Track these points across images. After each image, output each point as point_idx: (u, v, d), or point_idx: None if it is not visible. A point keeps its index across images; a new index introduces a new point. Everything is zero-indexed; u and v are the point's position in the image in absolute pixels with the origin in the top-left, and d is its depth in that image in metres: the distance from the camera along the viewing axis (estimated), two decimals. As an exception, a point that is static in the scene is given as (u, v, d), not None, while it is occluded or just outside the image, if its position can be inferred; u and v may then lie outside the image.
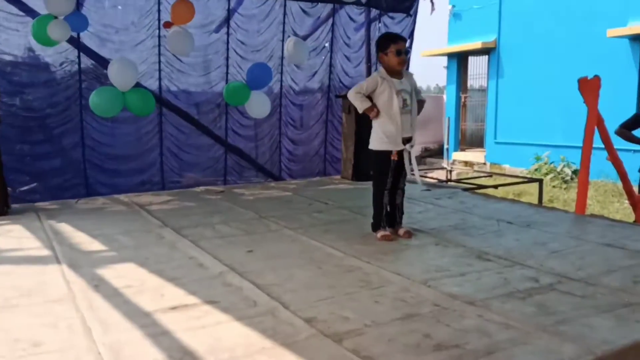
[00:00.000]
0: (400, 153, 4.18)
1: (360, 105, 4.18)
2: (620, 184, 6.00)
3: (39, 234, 4.53)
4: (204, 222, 4.92)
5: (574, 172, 12.03)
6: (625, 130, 5.58)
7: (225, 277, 3.33)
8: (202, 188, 7.02)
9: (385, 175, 4.23)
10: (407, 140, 4.19)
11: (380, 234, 4.25)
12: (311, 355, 2.27)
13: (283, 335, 2.45)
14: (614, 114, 5.88)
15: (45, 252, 4.01)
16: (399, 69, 4.19)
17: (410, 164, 4.20)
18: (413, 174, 4.25)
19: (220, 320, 2.66)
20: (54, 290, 3.15)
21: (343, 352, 2.29)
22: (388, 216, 4.34)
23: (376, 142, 4.24)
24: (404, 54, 4.18)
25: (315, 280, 3.28)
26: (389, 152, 4.17)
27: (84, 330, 2.55)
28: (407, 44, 7.53)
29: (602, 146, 5.61)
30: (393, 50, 4.14)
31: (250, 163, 7.86)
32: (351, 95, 4.24)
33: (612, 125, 5.58)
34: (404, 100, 4.14)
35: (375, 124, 4.23)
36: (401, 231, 4.32)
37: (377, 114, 4.15)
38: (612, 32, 12.03)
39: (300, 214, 5.23)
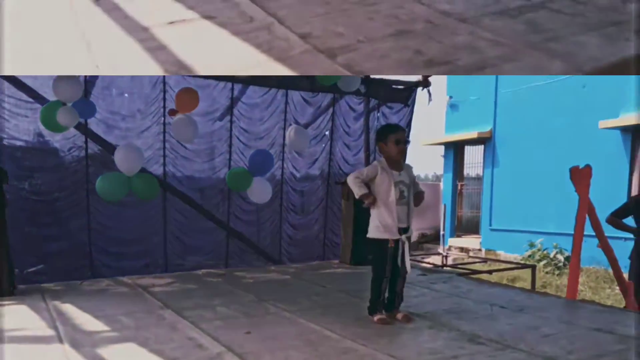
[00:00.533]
0: (396, 242, 4.29)
1: (358, 191, 4.30)
2: (611, 271, 6.12)
3: (43, 314, 4.61)
4: (205, 304, 5.01)
5: (567, 258, 12.14)
6: (615, 219, 5.74)
7: (224, 357, 3.40)
8: (204, 271, 7.12)
9: (383, 263, 4.31)
10: (404, 230, 4.31)
11: (377, 317, 4.32)
12: None
13: None
14: (606, 202, 6.04)
15: (49, 332, 4.08)
16: (399, 159, 4.36)
17: (403, 254, 4.30)
18: (404, 264, 4.32)
19: None
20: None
21: None
22: (386, 301, 4.43)
23: (373, 231, 4.35)
24: (403, 144, 4.34)
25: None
26: (386, 241, 4.28)
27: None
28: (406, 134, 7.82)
29: (594, 234, 5.75)
30: (393, 140, 4.30)
31: (251, 247, 7.99)
32: (350, 180, 4.37)
33: (603, 213, 5.74)
34: (401, 192, 4.28)
35: (373, 213, 4.35)
36: (399, 315, 4.38)
37: (373, 201, 4.29)
38: (603, 124, 12.41)
39: (299, 297, 5.32)
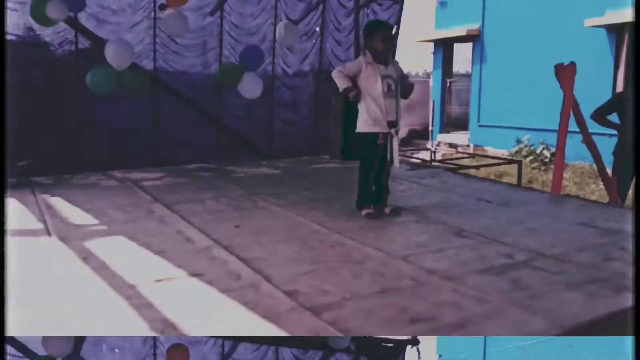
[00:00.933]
0: (385, 136, 4.28)
1: (341, 84, 4.24)
2: (595, 166, 6.19)
3: (32, 208, 4.63)
4: (195, 197, 5.04)
5: (553, 154, 12.23)
6: (600, 115, 5.79)
7: (212, 250, 3.45)
8: (194, 165, 7.12)
9: (371, 157, 4.33)
10: (392, 124, 4.29)
11: (364, 211, 4.37)
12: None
13: (265, 308, 2.57)
14: (591, 99, 6.05)
15: (37, 225, 4.11)
16: (384, 55, 4.28)
17: (392, 147, 4.30)
18: (392, 159, 4.33)
19: (204, 292, 2.77)
20: (43, 263, 3.26)
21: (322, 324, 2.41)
22: (374, 195, 4.47)
23: (362, 124, 4.33)
24: (389, 40, 4.30)
25: (299, 255, 3.41)
26: (375, 135, 4.27)
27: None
28: (394, 31, 7.62)
29: (578, 130, 5.77)
30: (379, 38, 4.23)
31: (242, 142, 7.98)
32: (334, 74, 4.32)
33: (588, 110, 5.76)
34: (389, 86, 4.23)
35: (361, 107, 4.31)
36: (387, 209, 4.44)
37: (356, 95, 4.23)
38: (589, 22, 12.39)
39: (289, 191, 5.36)
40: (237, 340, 3.76)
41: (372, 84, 4.22)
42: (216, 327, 2.41)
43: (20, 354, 3.48)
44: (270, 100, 8.14)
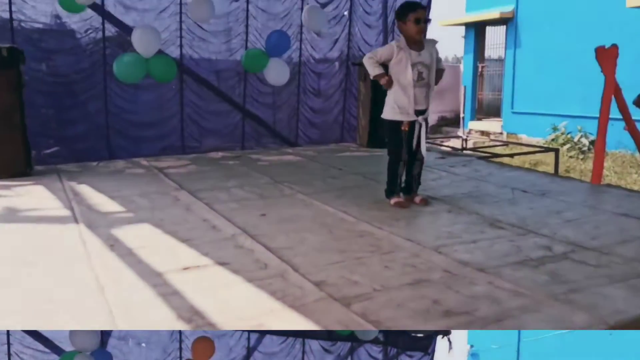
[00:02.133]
0: (412, 124, 4.13)
1: (372, 71, 4.12)
2: (638, 155, 5.92)
3: (59, 195, 4.62)
4: (220, 185, 4.98)
5: (591, 142, 11.83)
6: None
7: (238, 239, 3.37)
8: (220, 154, 7.07)
9: (398, 146, 4.18)
10: (420, 113, 4.13)
11: (393, 200, 4.25)
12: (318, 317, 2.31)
13: (292, 298, 2.49)
14: (633, 84, 5.79)
15: (65, 212, 4.09)
16: (418, 38, 4.08)
17: (420, 136, 4.15)
18: (419, 147, 4.19)
19: (231, 282, 2.70)
20: (70, 250, 3.22)
21: (351, 316, 2.33)
22: (404, 184, 4.34)
23: (388, 112, 4.19)
24: (424, 22, 4.06)
25: (326, 244, 3.31)
26: (401, 123, 4.12)
27: (97, 288, 2.62)
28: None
29: (620, 117, 5.53)
30: (412, 19, 4.02)
31: (267, 129, 7.89)
32: (365, 61, 4.17)
33: (630, 95, 5.49)
34: (420, 73, 4.05)
35: (389, 93, 4.16)
36: (417, 199, 4.31)
37: (388, 82, 4.08)
38: (631, 2, 11.74)
39: (315, 180, 5.26)
40: (263, 333, 3.69)
41: (402, 71, 4.04)
42: (239, 319, 2.32)
43: (46, 349, 3.49)
44: (297, 87, 8.01)
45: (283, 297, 2.49)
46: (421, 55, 4.08)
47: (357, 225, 3.72)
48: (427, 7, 8.15)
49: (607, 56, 5.23)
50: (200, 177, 5.44)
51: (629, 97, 5.45)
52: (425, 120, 4.18)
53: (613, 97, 5.26)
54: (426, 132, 4.22)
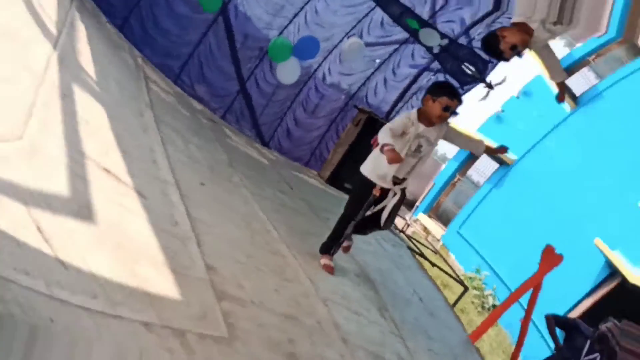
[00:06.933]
0: (385, 191, 3.94)
1: (383, 140, 3.68)
2: (513, 348, 6.01)
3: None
4: (184, 135, 4.96)
5: (493, 306, 12.18)
6: (553, 322, 5.48)
7: (168, 188, 3.41)
8: (200, 106, 7.09)
9: (358, 204, 3.96)
10: (398, 181, 3.94)
11: (324, 260, 4.05)
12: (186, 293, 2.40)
13: (178, 262, 2.57)
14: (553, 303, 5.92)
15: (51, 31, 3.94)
16: (436, 122, 3.87)
17: (388, 205, 3.96)
18: (386, 216, 3.98)
19: (138, 215, 2.75)
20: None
21: (215, 309, 2.45)
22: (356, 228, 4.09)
23: (368, 169, 3.97)
24: (450, 113, 3.86)
25: (240, 241, 3.44)
26: (374, 185, 3.91)
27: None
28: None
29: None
30: (443, 103, 3.79)
31: (251, 116, 7.92)
32: (383, 129, 3.80)
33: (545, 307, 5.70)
34: (419, 146, 3.87)
35: (377, 152, 3.85)
36: (346, 243, 4.15)
37: (392, 158, 3.56)
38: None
39: (265, 184, 5.35)
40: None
41: (400, 142, 3.80)
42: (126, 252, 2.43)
43: None
44: (296, 94, 8.08)
45: (172, 257, 2.57)
46: (428, 130, 3.88)
47: (277, 243, 3.83)
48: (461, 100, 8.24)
49: (550, 259, 5.36)
50: (174, 116, 5.44)
51: (548, 309, 5.67)
52: (402, 190, 3.98)
53: (531, 289, 5.42)
54: (400, 204, 4.00)
